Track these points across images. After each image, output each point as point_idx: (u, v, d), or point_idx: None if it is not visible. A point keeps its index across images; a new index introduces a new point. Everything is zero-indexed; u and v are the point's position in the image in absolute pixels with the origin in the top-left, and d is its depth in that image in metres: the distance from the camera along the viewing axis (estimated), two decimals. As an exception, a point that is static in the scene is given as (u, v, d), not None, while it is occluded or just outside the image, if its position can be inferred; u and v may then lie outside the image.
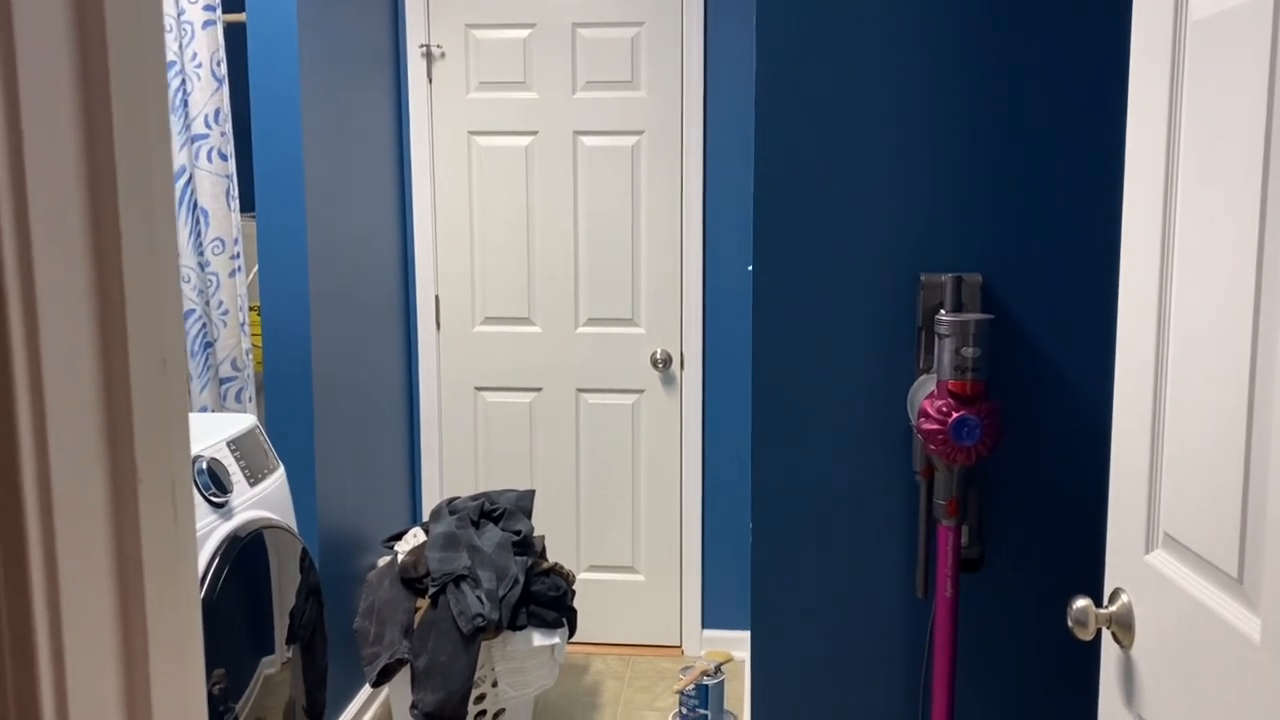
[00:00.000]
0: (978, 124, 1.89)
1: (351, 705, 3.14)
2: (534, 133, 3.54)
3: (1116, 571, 1.32)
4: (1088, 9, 1.84)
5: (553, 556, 3.69)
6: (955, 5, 1.86)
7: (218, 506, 2.09)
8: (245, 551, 2.09)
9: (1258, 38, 1.00)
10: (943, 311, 1.81)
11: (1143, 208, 1.26)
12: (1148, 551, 1.24)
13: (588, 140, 3.54)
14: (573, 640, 3.71)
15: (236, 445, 2.26)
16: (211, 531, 2.04)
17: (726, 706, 2.76)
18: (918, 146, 1.90)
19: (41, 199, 0.49)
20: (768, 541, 2.00)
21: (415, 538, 3.09)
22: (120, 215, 0.53)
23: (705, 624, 3.66)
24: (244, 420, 2.38)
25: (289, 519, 2.40)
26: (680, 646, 3.69)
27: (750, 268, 3.51)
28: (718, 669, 2.68)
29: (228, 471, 2.17)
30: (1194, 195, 1.14)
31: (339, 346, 3.04)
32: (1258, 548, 1.01)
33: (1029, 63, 1.87)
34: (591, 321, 3.63)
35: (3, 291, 0.47)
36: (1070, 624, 1.30)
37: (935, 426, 1.72)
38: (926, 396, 1.78)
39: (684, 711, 2.69)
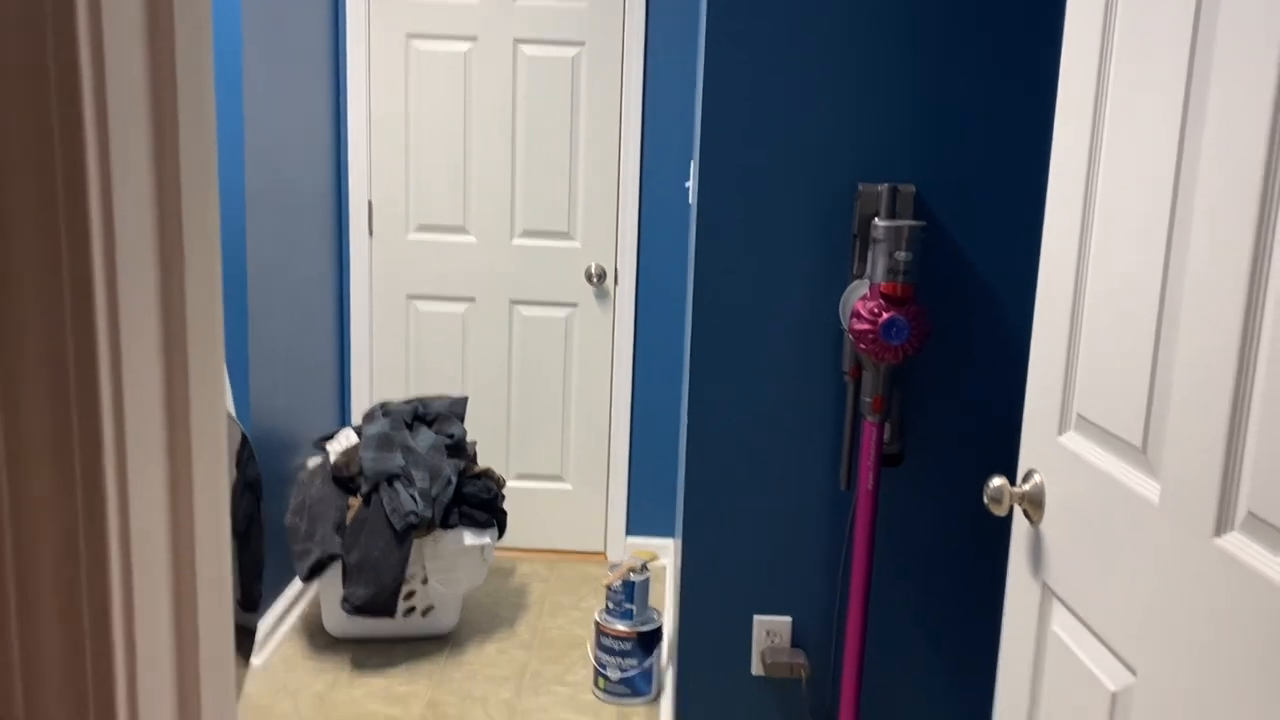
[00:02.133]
0: (915, 38, 1.95)
1: (280, 600, 3.18)
2: (473, 38, 3.51)
3: (1031, 453, 1.43)
4: (1029, -69, 1.91)
5: (482, 464, 3.75)
6: (904, -80, 1.92)
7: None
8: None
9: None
10: (878, 218, 1.89)
11: (1074, 113, 1.34)
12: (1061, 433, 1.35)
13: (528, 49, 3.52)
14: (501, 544, 3.80)
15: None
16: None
17: (650, 604, 2.87)
18: (857, 60, 1.96)
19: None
20: (701, 437, 2.09)
21: (347, 438, 3.11)
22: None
23: (629, 531, 3.77)
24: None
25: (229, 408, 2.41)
26: (604, 552, 3.80)
27: (687, 183, 3.56)
28: (644, 566, 2.79)
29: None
30: (1123, 101, 1.22)
31: (272, 247, 3.01)
32: (1161, 419, 1.11)
33: (971, -19, 1.93)
34: (527, 233, 3.65)
35: (80, 119, 0.50)
36: (986, 500, 1.41)
37: (866, 326, 1.81)
38: (859, 299, 1.86)
39: (610, 605, 2.79)
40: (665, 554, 3.73)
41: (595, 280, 3.65)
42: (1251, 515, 0.95)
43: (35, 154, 0.51)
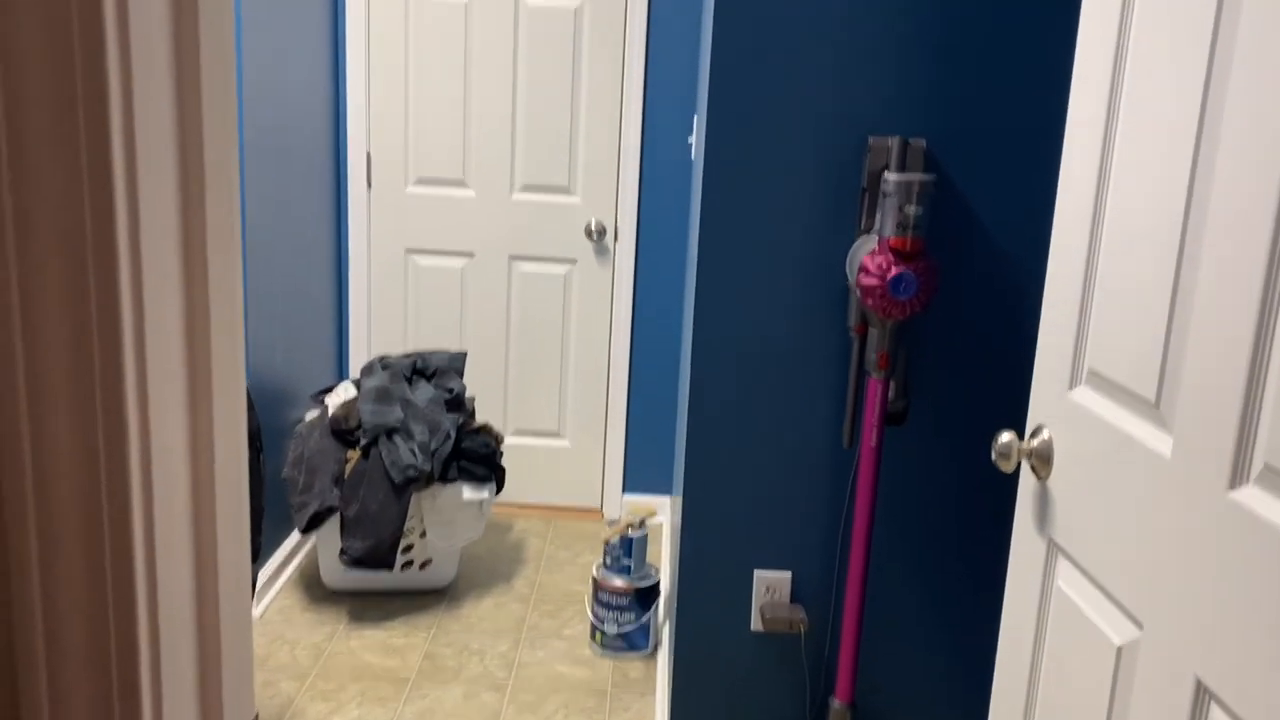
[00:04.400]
0: (933, -10, 1.92)
1: (278, 552, 3.18)
2: (475, -11, 3.45)
3: (1040, 408, 1.42)
4: (1047, -119, 1.88)
5: (480, 420, 3.75)
6: None
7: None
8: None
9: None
10: (888, 172, 1.87)
11: (1091, 65, 1.32)
12: (1071, 388, 1.34)
13: (530, 1, 3.47)
14: (498, 499, 3.80)
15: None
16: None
17: (647, 560, 2.88)
18: (870, 13, 1.93)
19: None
20: (705, 391, 2.08)
21: (346, 392, 3.10)
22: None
23: (626, 489, 3.77)
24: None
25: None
26: (601, 510, 3.81)
27: (690, 139, 3.53)
28: (642, 523, 2.79)
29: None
30: (1142, 60, 1.20)
31: (270, 197, 2.98)
32: (1176, 372, 1.10)
33: (986, -68, 1.90)
34: (527, 188, 3.62)
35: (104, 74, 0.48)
36: (994, 456, 1.41)
37: (874, 281, 1.80)
38: (867, 254, 1.85)
39: (608, 561, 2.80)
40: (662, 511, 3.74)
41: (595, 237, 3.63)
42: (1268, 468, 0.94)
43: (58, 92, 0.50)
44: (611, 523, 2.82)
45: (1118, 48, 1.26)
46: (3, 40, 0.50)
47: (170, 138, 0.55)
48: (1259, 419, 0.96)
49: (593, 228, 3.62)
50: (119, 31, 0.51)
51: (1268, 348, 0.95)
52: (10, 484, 0.54)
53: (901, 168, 1.87)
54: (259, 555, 2.55)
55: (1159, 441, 1.13)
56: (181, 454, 0.58)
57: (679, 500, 2.45)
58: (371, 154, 3.59)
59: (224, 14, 0.58)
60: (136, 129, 0.52)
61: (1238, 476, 0.99)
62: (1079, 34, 1.39)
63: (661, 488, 3.76)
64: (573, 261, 3.67)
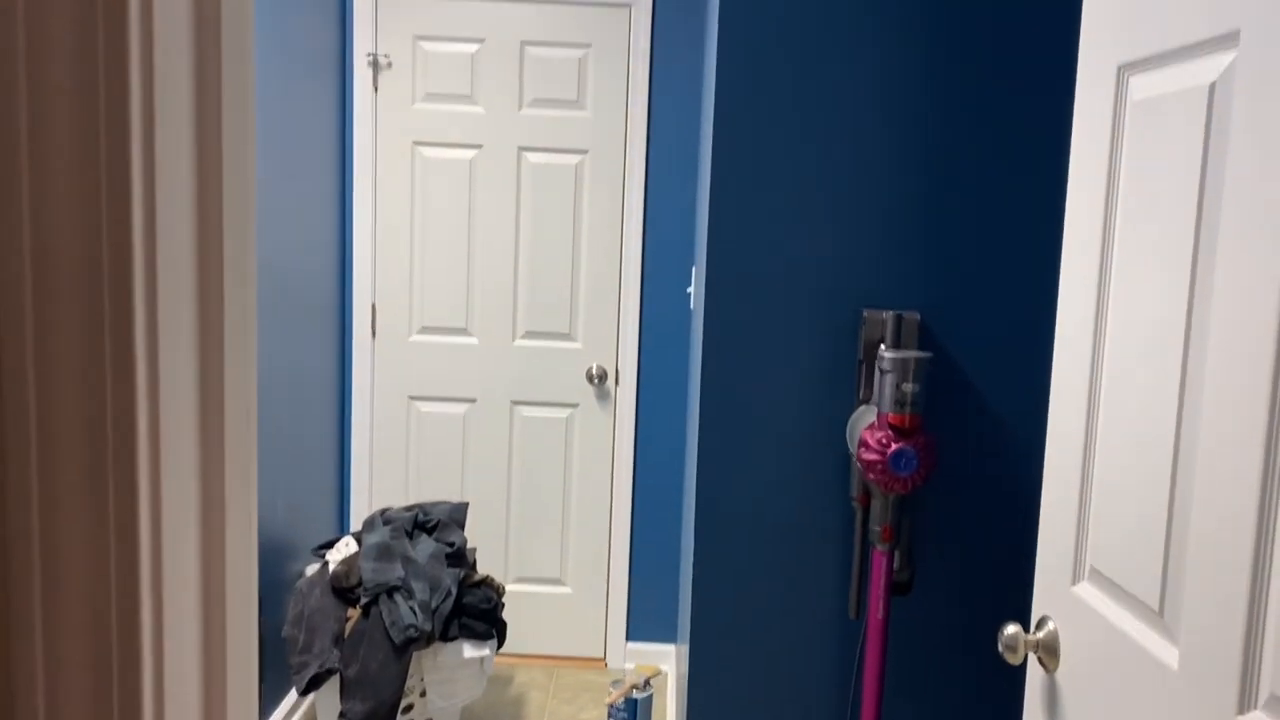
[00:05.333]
0: (921, 170, 1.99)
1: (277, 712, 3.11)
2: (479, 146, 3.57)
3: (1044, 600, 1.42)
4: (1028, 65, 1.96)
5: (482, 568, 3.72)
6: (903, 58, 1.97)
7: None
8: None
9: (1192, 113, 1.10)
10: (884, 347, 1.90)
11: (1079, 263, 1.36)
12: (1075, 583, 1.34)
13: (532, 156, 3.58)
14: (500, 651, 3.74)
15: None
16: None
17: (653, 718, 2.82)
18: (864, 188, 2.00)
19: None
20: (708, 561, 2.07)
21: (347, 546, 3.09)
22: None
23: (630, 637, 3.72)
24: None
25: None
26: (604, 659, 3.75)
27: (689, 289, 3.60)
28: (647, 683, 2.74)
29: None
30: (1129, 250, 1.24)
31: (274, 348, 3.02)
32: (1178, 586, 1.11)
33: (972, 112, 1.98)
34: (529, 334, 3.67)
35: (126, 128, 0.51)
36: (1001, 649, 1.40)
37: (875, 457, 1.81)
38: (866, 427, 1.87)
39: (613, 724, 2.74)
40: (667, 661, 3.68)
41: (596, 381, 3.66)
42: (1275, 698, 0.94)
43: (83, 220, 0.53)
44: (615, 683, 2.78)
45: (1102, 257, 1.30)
46: (37, 285, 0.54)
47: (191, 296, 0.58)
48: (1263, 643, 0.96)
49: (594, 372, 3.66)
50: (146, 226, 0.54)
51: (1267, 568, 0.96)
52: (20, 648, 0.55)
53: (896, 342, 1.91)
54: (259, 716, 2.50)
55: (1165, 652, 1.13)
56: (194, 620, 0.59)
57: (684, 649, 2.41)
58: (376, 304, 3.65)
59: (246, 170, 0.62)
60: (159, 296, 0.55)
61: (1246, 701, 0.98)
62: (1065, 223, 1.44)
63: (666, 635, 3.71)
64: (574, 405, 3.69)
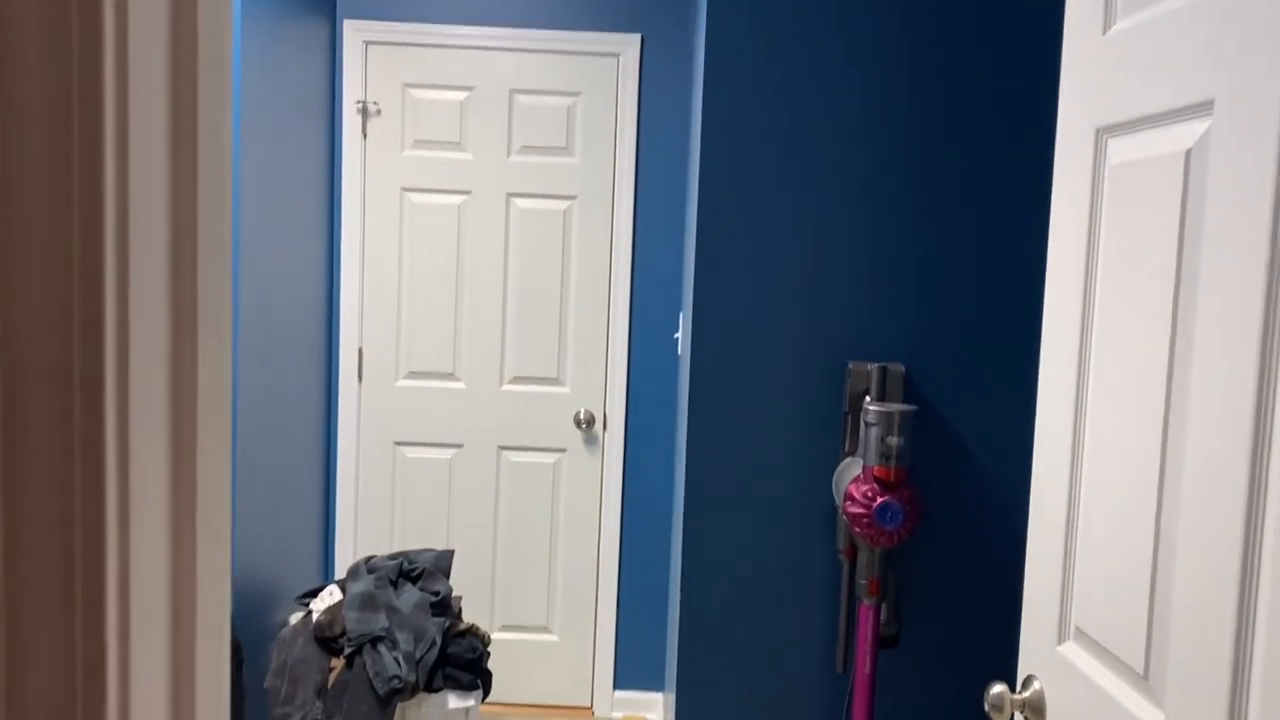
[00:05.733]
0: (908, 223, 2.01)
1: (256, 766, 3.06)
2: (467, 193, 3.59)
3: (1030, 659, 1.41)
4: (1014, 121, 1.99)
5: (467, 616, 3.69)
6: (890, 112, 1.99)
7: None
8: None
9: (1170, 179, 1.12)
10: (869, 400, 1.91)
11: (1060, 324, 1.37)
12: (1060, 642, 1.34)
13: (520, 203, 3.60)
14: (485, 701, 3.69)
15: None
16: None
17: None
18: (850, 241, 2.01)
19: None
20: (694, 613, 2.06)
21: (331, 596, 3.06)
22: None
23: (617, 685, 3.68)
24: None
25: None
26: (591, 708, 3.71)
27: (676, 335, 3.60)
28: (633, 734, 2.71)
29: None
30: (1109, 311, 1.25)
31: (260, 395, 3.01)
32: (1162, 650, 1.10)
33: (957, 164, 2.00)
34: (516, 379, 3.66)
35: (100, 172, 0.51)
36: (987, 708, 1.39)
37: (861, 510, 1.81)
38: (852, 480, 1.86)
39: (599, 777, 2.70)
40: (655, 709, 3.64)
41: (584, 426, 3.65)
42: (1261, 768, 0.93)
43: (53, 257, 0.52)
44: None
45: (1083, 318, 1.31)
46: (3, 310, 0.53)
47: (164, 336, 0.57)
48: (1247, 710, 0.96)
49: (582, 417, 3.65)
50: (119, 259, 0.53)
51: (1249, 636, 0.96)
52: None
53: (881, 394, 1.91)
54: (236, 779, 2.46)
55: (1150, 715, 1.12)
56: (162, 678, 0.58)
57: (671, 698, 2.39)
58: (363, 348, 3.65)
59: (222, 214, 0.61)
60: (131, 343, 0.54)
61: (1232, 770, 0.98)
62: (1047, 281, 1.45)
63: (654, 683, 3.67)
64: (562, 451, 3.68)
